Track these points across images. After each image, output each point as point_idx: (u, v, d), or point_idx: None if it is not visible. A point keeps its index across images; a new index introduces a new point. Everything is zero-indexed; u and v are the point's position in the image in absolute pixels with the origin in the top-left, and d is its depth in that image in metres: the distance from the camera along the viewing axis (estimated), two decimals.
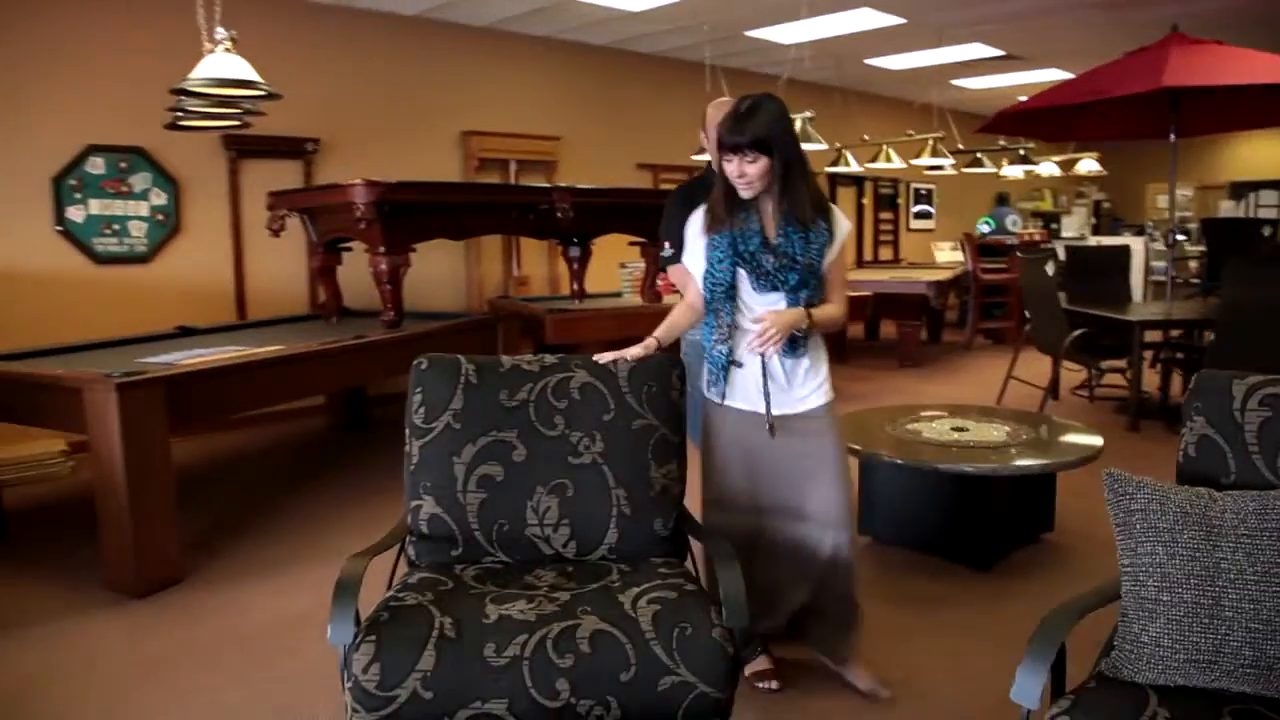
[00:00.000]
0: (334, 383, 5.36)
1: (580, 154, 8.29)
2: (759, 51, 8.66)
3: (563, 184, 6.21)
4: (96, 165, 5.69)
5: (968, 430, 3.86)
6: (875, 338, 9.98)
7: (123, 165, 5.79)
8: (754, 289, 2.47)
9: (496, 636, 1.88)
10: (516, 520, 2.33)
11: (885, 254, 12.02)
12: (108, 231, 5.77)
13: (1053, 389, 6.52)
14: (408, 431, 2.42)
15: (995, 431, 3.84)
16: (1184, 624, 1.73)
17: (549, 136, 8.09)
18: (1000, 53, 8.65)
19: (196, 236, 6.16)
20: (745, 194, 2.43)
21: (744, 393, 2.54)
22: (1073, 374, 6.94)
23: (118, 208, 5.79)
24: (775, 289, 2.45)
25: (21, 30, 5.39)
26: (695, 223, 2.58)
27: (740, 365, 2.52)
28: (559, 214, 5.64)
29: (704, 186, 3.28)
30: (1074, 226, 13.60)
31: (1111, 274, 7.05)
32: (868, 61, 9.25)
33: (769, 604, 2.63)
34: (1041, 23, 7.51)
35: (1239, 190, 13.42)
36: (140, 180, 5.87)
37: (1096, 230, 13.93)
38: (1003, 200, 13.20)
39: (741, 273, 2.47)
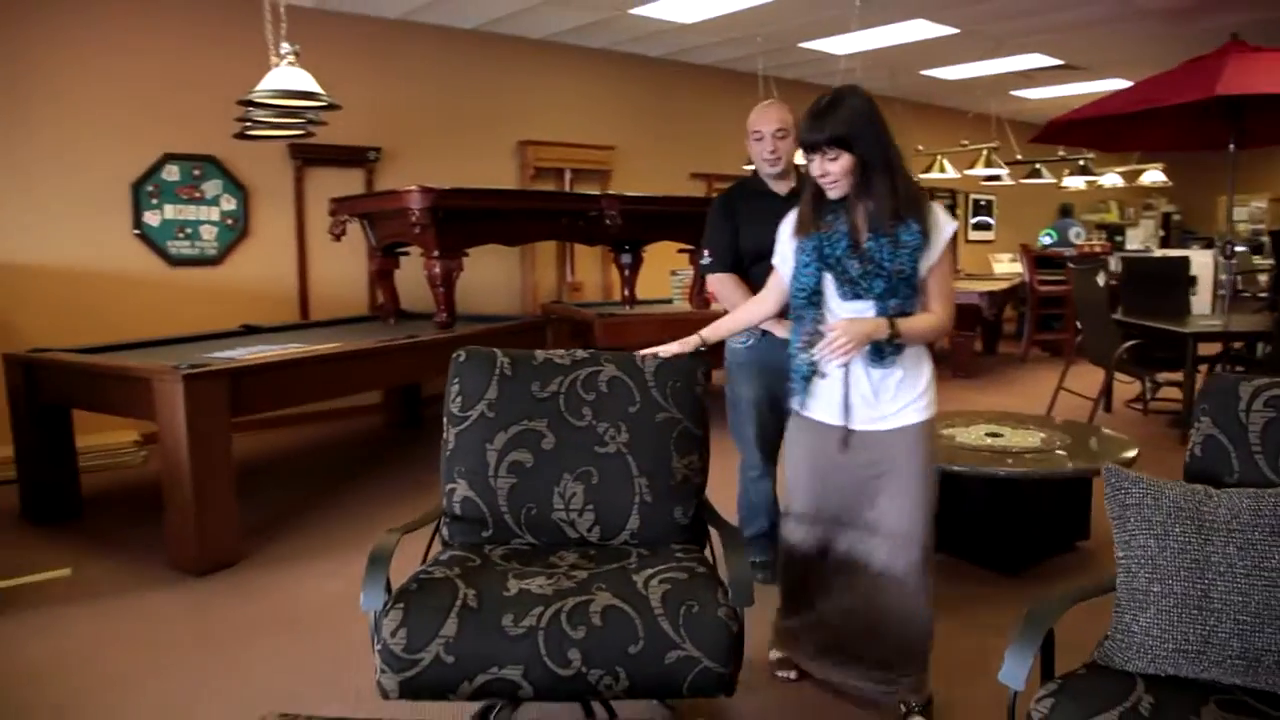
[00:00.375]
0: (386, 380, 5.57)
1: (634, 164, 8.44)
2: (812, 63, 8.72)
3: (611, 192, 6.36)
4: (172, 173, 6.01)
5: (1002, 436, 3.88)
6: (929, 348, 9.91)
7: (196, 172, 6.10)
8: (839, 296, 2.35)
9: (515, 608, 2.00)
10: (544, 504, 2.46)
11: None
12: (181, 235, 6.08)
13: (1105, 401, 6.45)
14: (445, 419, 2.57)
15: (1030, 438, 3.85)
16: (1173, 614, 1.78)
17: (603, 146, 8.25)
18: (1059, 62, 8.57)
19: (263, 240, 6.45)
20: (833, 194, 2.31)
21: (825, 404, 2.44)
22: (1127, 387, 6.84)
23: (190, 213, 6.10)
24: (860, 296, 2.31)
25: (103, 46, 5.72)
26: (787, 225, 2.51)
27: (824, 375, 2.40)
28: (607, 221, 5.79)
29: (743, 194, 3.37)
30: (1140, 239, 13.33)
31: (1170, 286, 6.95)
32: (923, 72, 9.23)
33: (811, 610, 2.56)
34: (1100, 31, 7.43)
35: None
36: (212, 187, 6.18)
37: (1165, 243, 13.64)
38: (1066, 212, 12.99)
39: (828, 278, 2.36)
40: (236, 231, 6.32)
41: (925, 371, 2.43)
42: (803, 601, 2.59)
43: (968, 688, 2.71)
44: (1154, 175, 10.58)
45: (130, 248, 5.91)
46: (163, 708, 2.70)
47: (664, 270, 7.40)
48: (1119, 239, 12.76)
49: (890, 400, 2.38)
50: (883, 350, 2.31)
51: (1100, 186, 11.01)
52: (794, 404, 2.52)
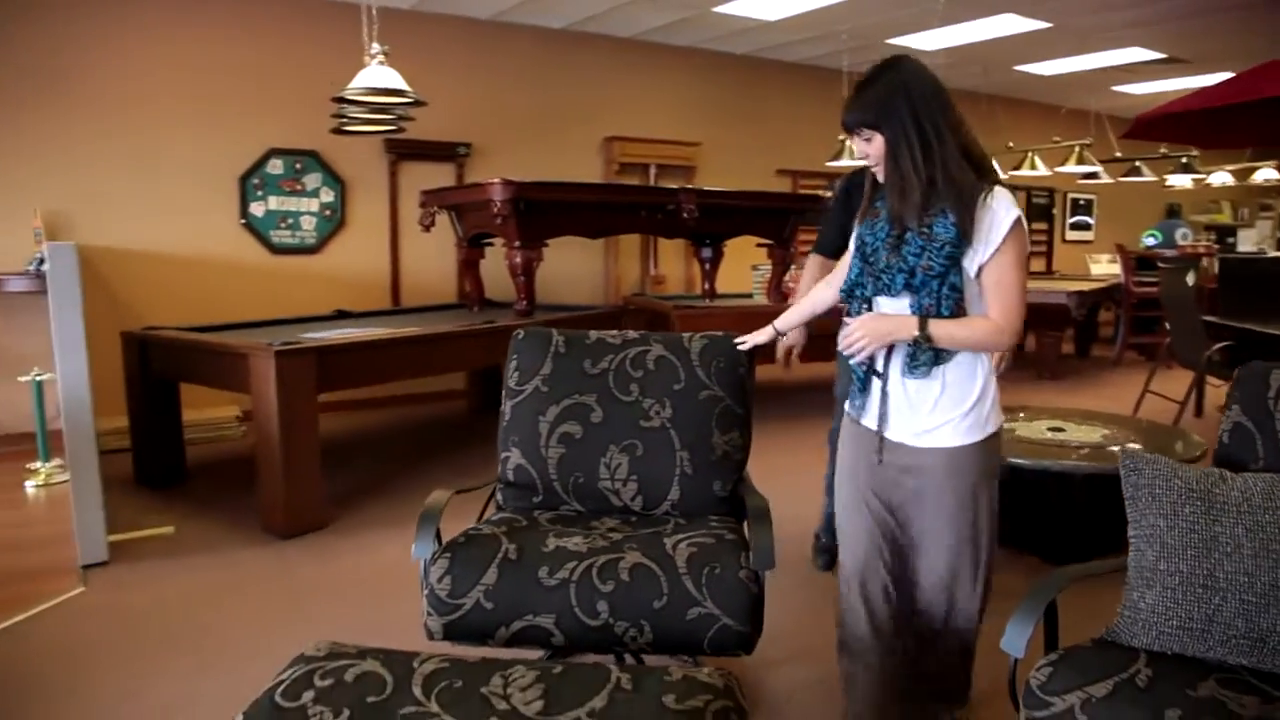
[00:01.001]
0: (462, 363, 5.78)
1: (719, 159, 8.53)
2: None
3: (689, 186, 6.48)
4: (276, 166, 6.40)
5: (1063, 431, 3.86)
6: (1020, 349, 9.72)
7: (298, 166, 6.48)
8: (871, 291, 2.13)
9: (551, 561, 2.16)
10: (591, 474, 2.61)
11: (1037, 265, 11.65)
12: (283, 225, 6.46)
13: (1196, 404, 6.26)
14: (503, 392, 2.75)
15: (1093, 434, 3.82)
16: (1179, 592, 1.81)
17: (689, 142, 8.37)
18: (1161, 55, 8.30)
19: (359, 231, 6.79)
20: (880, 177, 2.11)
21: (870, 408, 2.19)
22: (1222, 391, 6.61)
23: (292, 204, 6.48)
24: (886, 292, 2.08)
25: (213, 48, 6.14)
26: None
27: (880, 375, 2.15)
28: (685, 214, 5.91)
29: (863, 181, 3.10)
30: (1254, 241, 12.72)
31: (1274, 287, 6.67)
32: (1017, 68, 9.05)
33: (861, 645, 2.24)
34: (1200, 23, 7.19)
35: None
36: (312, 180, 6.55)
37: None
38: (1173, 212, 12.49)
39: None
40: (334, 222, 6.68)
41: (975, 386, 2.08)
42: (852, 635, 2.26)
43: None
44: (1268, 174, 10.11)
45: (237, 236, 6.32)
46: (242, 646, 2.97)
47: (746, 265, 7.48)
48: (1230, 240, 12.20)
49: (929, 414, 2.08)
50: (916, 355, 2.05)
51: (1209, 185, 10.58)
52: (848, 408, 2.29)
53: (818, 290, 2.62)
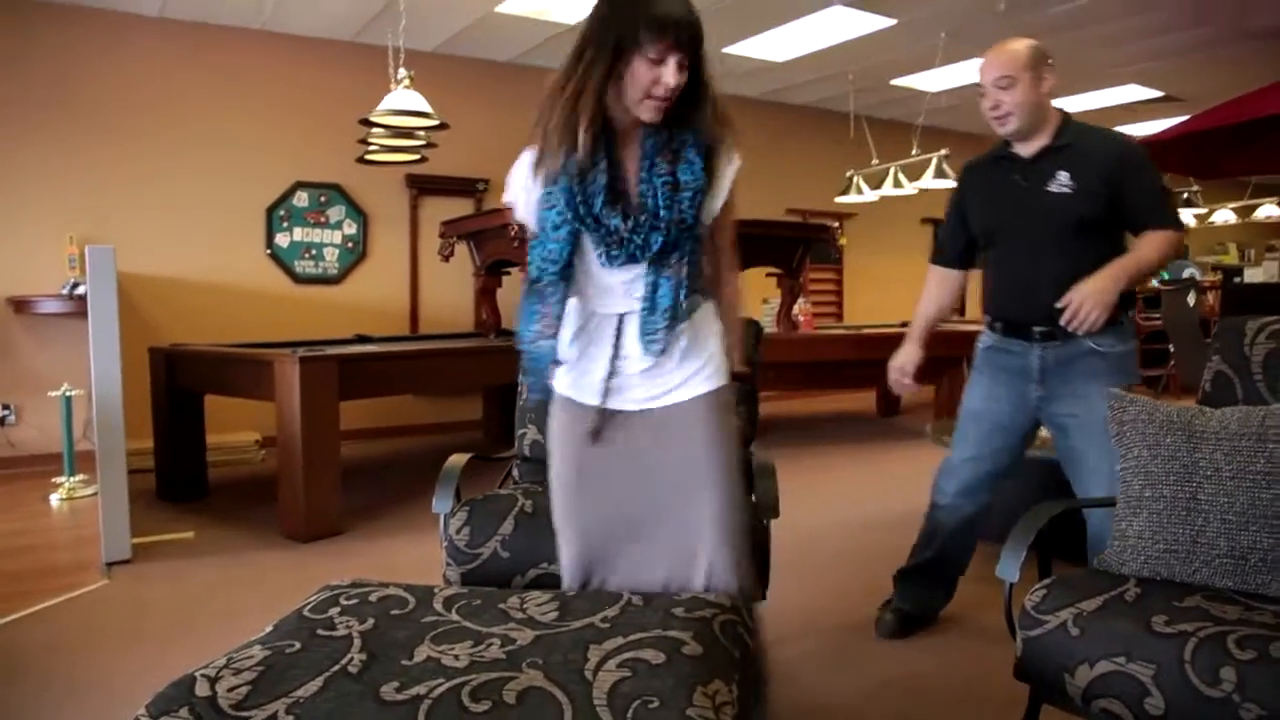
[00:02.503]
0: (472, 379, 5.89)
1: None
2: (904, 101, 8.90)
3: None
4: (301, 199, 6.63)
5: None
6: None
7: (323, 199, 6.71)
8: (603, 262, 1.73)
9: None
10: None
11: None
12: (306, 255, 6.68)
13: None
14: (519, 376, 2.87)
15: None
16: (1164, 516, 1.90)
17: None
18: (1159, 94, 8.51)
19: (380, 262, 7.00)
20: (654, 117, 1.67)
21: (580, 383, 1.84)
22: None
23: (316, 235, 6.70)
24: (634, 260, 1.71)
25: (245, 81, 6.43)
26: (524, 165, 1.83)
27: (561, 363, 1.84)
28: None
29: (979, 165, 2.82)
30: (1260, 280, 12.80)
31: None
32: None
33: None
34: (1197, 59, 7.40)
35: None
36: (336, 212, 6.77)
37: None
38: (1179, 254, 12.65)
39: (586, 241, 1.73)
40: (356, 254, 6.88)
41: (713, 330, 1.83)
42: None
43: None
44: (1270, 210, 10.25)
45: (262, 265, 6.53)
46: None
47: (757, 297, 7.63)
48: (1236, 280, 12.29)
49: (672, 371, 1.78)
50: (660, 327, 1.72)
51: (1213, 225, 10.72)
52: (535, 396, 1.93)
53: (921, 309, 2.79)
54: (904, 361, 2.83)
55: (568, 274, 1.73)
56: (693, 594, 1.80)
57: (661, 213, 1.67)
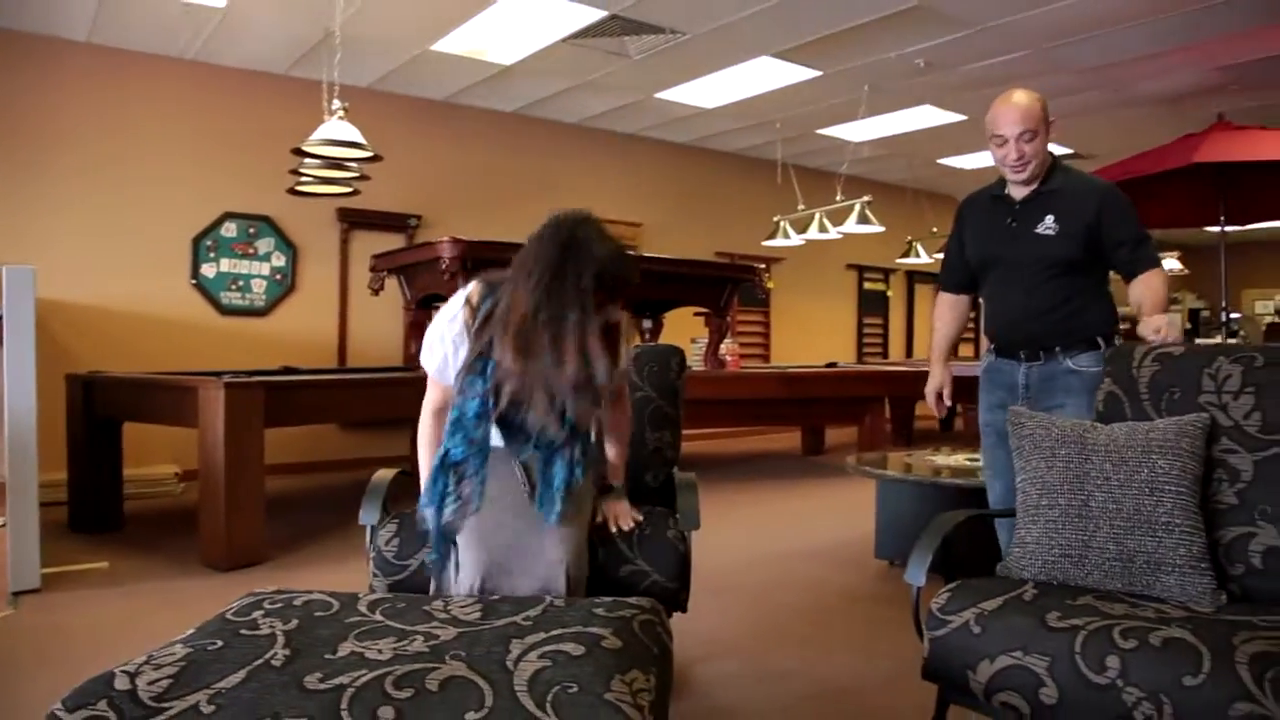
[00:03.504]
0: (402, 408, 5.82)
1: (661, 240, 8.91)
2: (829, 150, 9.23)
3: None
4: (230, 229, 6.58)
5: (979, 460, 4.10)
6: (949, 427, 10.07)
7: (252, 230, 6.66)
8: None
9: None
10: None
11: (965, 351, 12.16)
12: (233, 287, 6.60)
13: None
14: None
15: None
16: (1059, 523, 2.02)
17: (631, 223, 8.75)
18: (1068, 150, 8.98)
19: (309, 296, 6.95)
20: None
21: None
22: None
23: (243, 267, 6.64)
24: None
25: (176, 109, 6.39)
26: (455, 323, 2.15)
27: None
28: None
29: (977, 201, 2.99)
30: None
31: None
32: (940, 161, 9.69)
33: None
34: (1098, 119, 7.85)
35: None
36: (265, 244, 6.73)
37: (1195, 336, 13.75)
38: None
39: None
40: (285, 286, 6.83)
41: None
42: None
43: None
44: (1171, 264, 10.81)
45: (186, 296, 6.44)
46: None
47: (685, 336, 7.76)
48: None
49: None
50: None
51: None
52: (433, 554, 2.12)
53: (940, 332, 3.05)
54: (936, 385, 3.09)
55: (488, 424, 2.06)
56: (615, 599, 1.86)
57: (565, 417, 2.02)
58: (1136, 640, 1.65)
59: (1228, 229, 6.34)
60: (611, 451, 2.36)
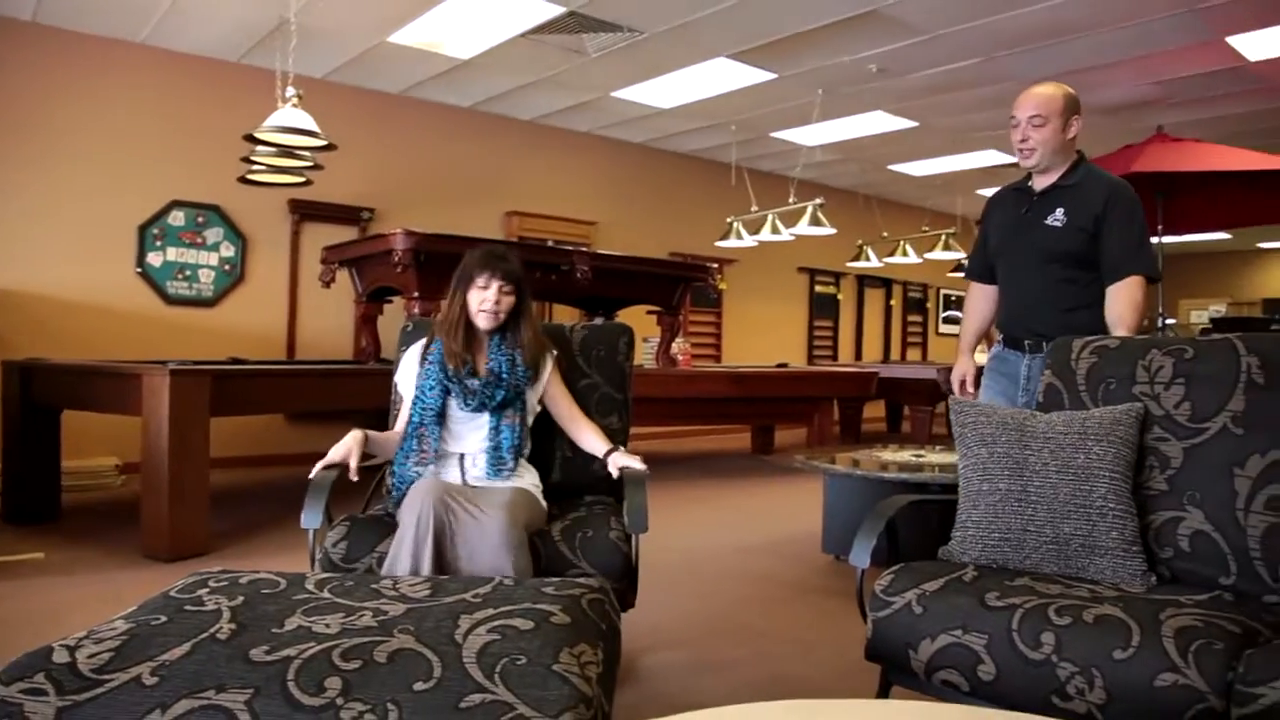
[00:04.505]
0: (357, 400, 5.78)
1: (615, 239, 8.93)
2: (783, 154, 9.33)
3: (585, 248, 6.80)
4: (178, 218, 6.45)
5: (924, 456, 4.19)
6: (896, 429, 10.23)
7: (200, 220, 6.55)
8: (462, 408, 2.50)
9: None
10: None
11: (914, 355, 12.36)
12: (180, 277, 6.48)
13: None
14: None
15: (949, 457, 4.15)
16: (999, 507, 2.08)
17: (586, 221, 8.76)
18: (1014, 160, 9.17)
19: (258, 288, 6.85)
20: (488, 325, 2.55)
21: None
22: None
23: (191, 256, 6.52)
24: (483, 407, 2.48)
25: (125, 94, 6.25)
26: (414, 352, 2.63)
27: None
28: (578, 274, 6.20)
29: (1003, 193, 3.08)
30: None
31: None
32: (891, 167, 9.85)
33: None
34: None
35: (1273, 308, 13.57)
36: (214, 234, 6.61)
37: None
38: None
39: (451, 400, 2.51)
40: (233, 277, 6.72)
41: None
42: None
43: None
44: None
45: (131, 285, 6.30)
46: None
47: (637, 337, 7.78)
48: None
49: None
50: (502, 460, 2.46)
51: None
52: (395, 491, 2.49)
53: (968, 322, 3.15)
54: (961, 373, 3.15)
55: (440, 419, 2.50)
56: (564, 579, 1.87)
57: (504, 377, 2.52)
58: (1071, 617, 1.71)
59: (1166, 240, 6.54)
60: (584, 437, 2.68)
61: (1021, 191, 2.93)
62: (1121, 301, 2.71)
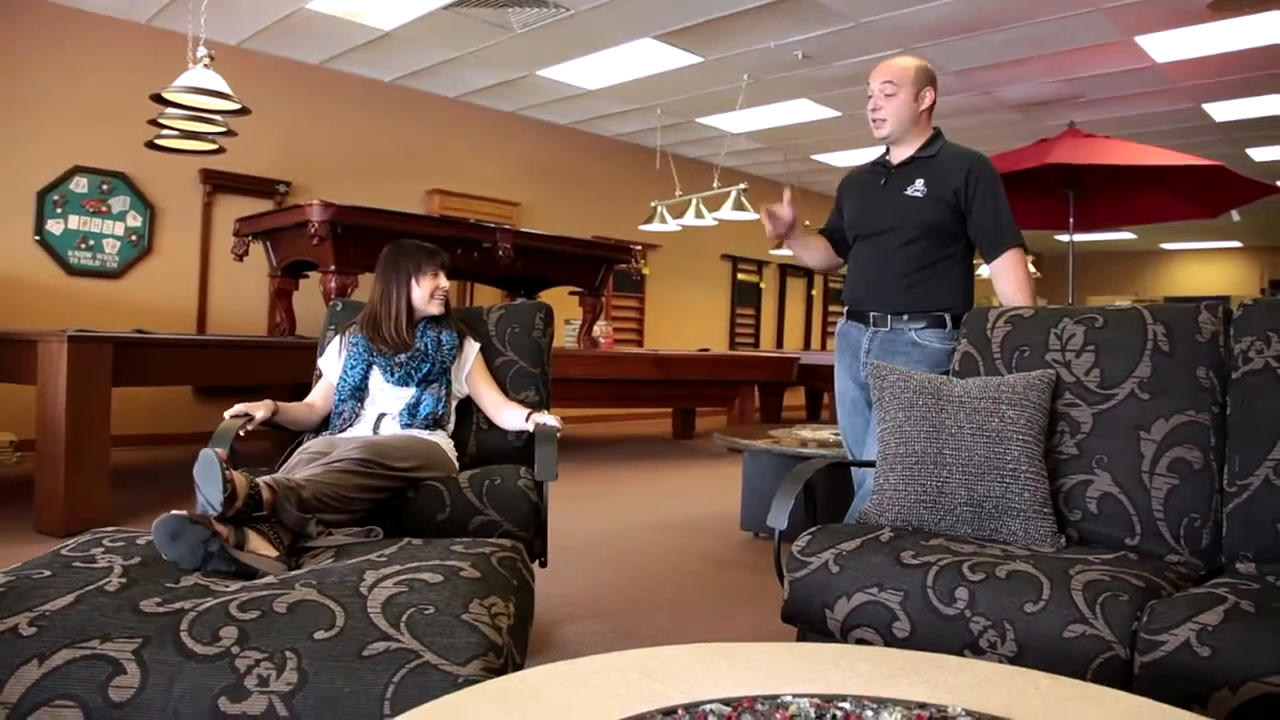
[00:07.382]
0: (267, 376, 5.60)
1: (538, 220, 8.84)
2: (708, 140, 9.36)
3: (507, 226, 6.71)
4: (80, 185, 6.16)
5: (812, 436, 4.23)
6: (816, 416, 10.35)
7: (105, 187, 6.26)
8: (389, 382, 2.62)
9: None
10: None
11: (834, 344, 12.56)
12: (82, 246, 6.19)
13: None
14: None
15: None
16: (915, 470, 2.10)
17: (509, 202, 8.66)
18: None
19: (167, 259, 6.58)
20: (440, 309, 2.73)
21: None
22: None
23: (95, 225, 6.23)
24: (409, 380, 2.62)
25: (16, 50, 5.93)
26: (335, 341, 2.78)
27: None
28: (500, 252, 6.11)
29: (862, 169, 3.00)
30: None
31: None
32: (814, 156, 9.96)
33: None
34: (962, 122, 8.22)
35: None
36: (119, 203, 6.33)
37: None
38: None
39: (375, 369, 2.64)
40: (140, 248, 6.45)
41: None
42: None
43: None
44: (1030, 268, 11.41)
45: (29, 252, 5.99)
46: None
47: (560, 319, 7.72)
48: None
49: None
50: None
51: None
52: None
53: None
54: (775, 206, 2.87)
55: (360, 394, 2.65)
56: (472, 538, 1.83)
57: (429, 353, 2.67)
58: (984, 574, 1.73)
59: (1076, 238, 6.74)
60: (505, 418, 2.73)
61: (879, 165, 2.89)
62: (1012, 281, 2.72)
